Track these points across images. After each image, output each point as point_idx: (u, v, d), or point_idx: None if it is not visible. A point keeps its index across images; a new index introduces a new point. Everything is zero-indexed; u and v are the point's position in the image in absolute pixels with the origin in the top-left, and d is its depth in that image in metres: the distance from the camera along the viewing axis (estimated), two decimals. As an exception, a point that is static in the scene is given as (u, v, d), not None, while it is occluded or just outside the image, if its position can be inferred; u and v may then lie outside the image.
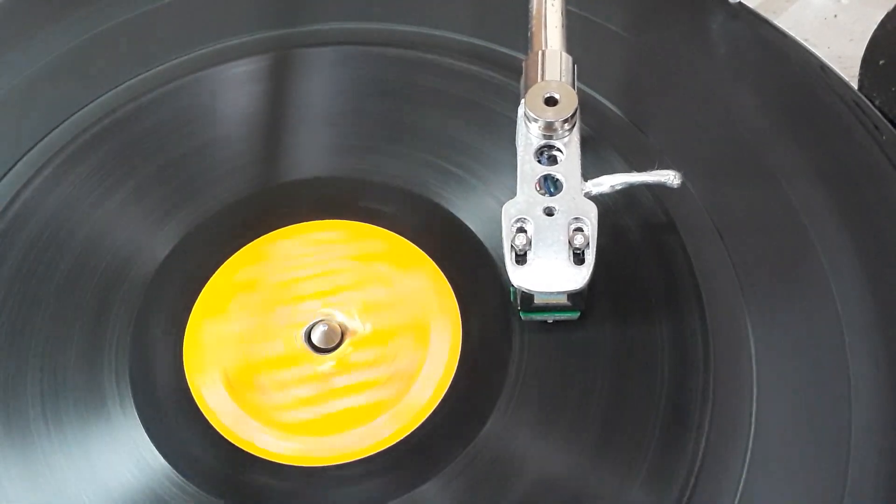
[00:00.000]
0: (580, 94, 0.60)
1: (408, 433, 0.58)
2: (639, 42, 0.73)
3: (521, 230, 0.56)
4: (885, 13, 0.75)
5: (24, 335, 0.62)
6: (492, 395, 0.59)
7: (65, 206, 0.67)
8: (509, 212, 0.57)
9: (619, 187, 0.59)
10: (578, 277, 0.56)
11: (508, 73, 0.68)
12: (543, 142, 0.59)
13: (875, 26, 0.74)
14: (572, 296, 0.57)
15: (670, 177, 0.59)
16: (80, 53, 0.74)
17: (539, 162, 0.59)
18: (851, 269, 0.62)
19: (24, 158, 0.69)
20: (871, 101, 0.69)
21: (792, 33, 0.72)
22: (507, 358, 0.60)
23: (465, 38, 0.73)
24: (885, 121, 0.67)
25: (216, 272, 0.64)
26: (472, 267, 0.63)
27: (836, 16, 0.81)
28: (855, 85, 0.70)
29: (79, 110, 0.71)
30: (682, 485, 0.56)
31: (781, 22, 0.77)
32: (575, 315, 0.60)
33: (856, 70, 0.72)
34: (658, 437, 0.57)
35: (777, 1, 0.82)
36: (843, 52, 0.78)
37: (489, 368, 0.60)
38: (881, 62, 0.72)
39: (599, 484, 0.56)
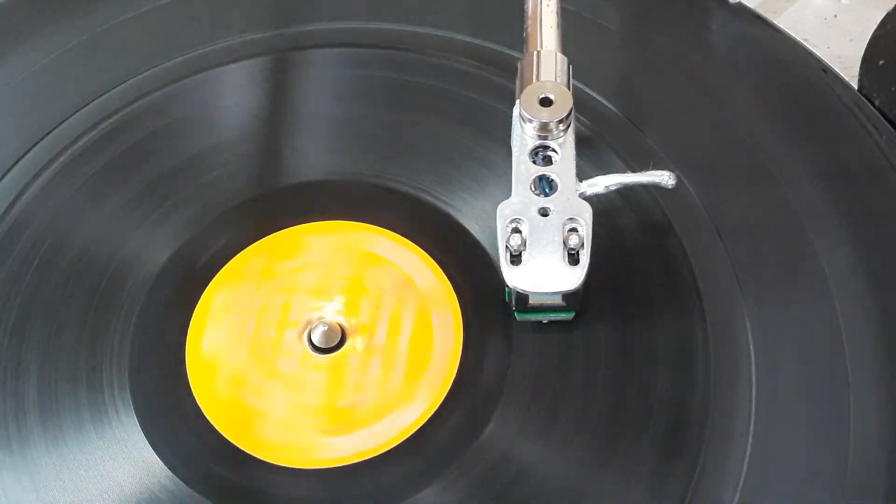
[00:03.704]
0: (579, 93, 0.60)
1: (406, 437, 0.58)
2: (639, 42, 0.73)
3: (516, 231, 0.57)
4: (885, 13, 0.74)
5: (24, 336, 0.63)
6: (491, 396, 0.59)
7: (65, 209, 0.67)
8: (504, 212, 0.57)
9: (613, 188, 0.59)
10: (573, 278, 0.56)
11: (506, 73, 0.68)
12: (538, 142, 0.59)
13: (875, 26, 0.74)
14: (567, 296, 0.57)
15: (664, 177, 0.59)
16: (80, 54, 0.75)
17: (534, 162, 0.59)
18: (851, 269, 0.61)
19: (24, 159, 0.69)
20: (871, 101, 0.69)
21: (792, 33, 0.72)
22: (507, 359, 0.60)
23: (462, 39, 0.73)
24: (885, 121, 0.67)
25: (218, 274, 0.64)
26: (471, 267, 0.63)
27: (835, 16, 0.81)
28: (855, 85, 0.70)
29: (78, 111, 0.71)
30: (682, 485, 0.56)
31: (781, 22, 0.77)
32: (570, 315, 0.60)
33: (856, 70, 0.72)
34: (658, 437, 0.57)
35: (777, 1, 0.82)
36: (843, 52, 0.78)
37: (489, 369, 0.60)
38: (881, 62, 0.72)
39: (599, 484, 0.56)
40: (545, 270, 0.56)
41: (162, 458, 0.58)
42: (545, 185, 0.58)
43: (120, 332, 0.62)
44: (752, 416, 0.57)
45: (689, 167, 0.65)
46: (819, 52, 0.71)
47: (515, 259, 0.56)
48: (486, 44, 0.72)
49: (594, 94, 0.69)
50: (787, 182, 0.65)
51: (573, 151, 0.59)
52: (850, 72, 0.72)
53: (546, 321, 0.60)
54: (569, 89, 0.59)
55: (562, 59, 0.60)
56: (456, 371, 0.60)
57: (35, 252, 0.65)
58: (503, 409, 0.58)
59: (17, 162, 0.69)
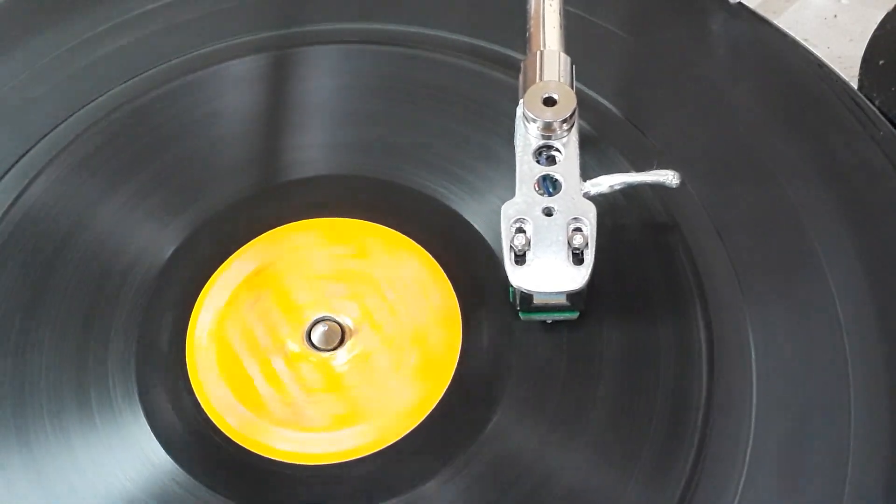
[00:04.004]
0: (580, 93, 0.60)
1: (408, 432, 0.58)
2: (639, 42, 0.73)
3: (520, 230, 0.57)
4: (885, 13, 0.75)
5: (29, 333, 0.62)
6: (494, 396, 0.59)
7: (68, 206, 0.67)
8: (508, 212, 0.57)
9: (617, 187, 0.59)
10: (577, 277, 0.56)
11: (508, 71, 0.68)
12: (542, 142, 0.59)
13: (875, 26, 0.74)
14: (571, 296, 0.57)
15: (669, 177, 0.59)
16: (81, 53, 0.75)
17: (538, 162, 0.59)
18: (851, 268, 0.62)
19: (25, 158, 0.69)
20: (871, 101, 0.69)
21: (792, 33, 0.72)
22: (511, 359, 0.60)
23: (464, 38, 0.73)
24: (885, 121, 0.67)
25: (220, 270, 0.64)
26: (475, 265, 0.63)
27: (835, 16, 0.81)
28: (855, 85, 0.70)
29: (79, 110, 0.71)
30: (683, 484, 0.56)
31: (781, 22, 0.77)
32: (574, 315, 0.60)
33: (856, 70, 0.72)
34: (658, 436, 0.57)
35: (777, 1, 0.82)
36: (843, 52, 0.78)
37: (493, 369, 0.60)
38: (881, 62, 0.72)
39: (600, 483, 0.56)
40: (549, 270, 0.56)
41: (166, 450, 0.58)
42: (549, 185, 0.58)
43: (124, 328, 0.63)
44: (753, 415, 0.57)
45: (689, 167, 0.65)
46: (819, 52, 0.71)
47: (520, 259, 0.56)
48: (489, 43, 0.73)
49: (594, 95, 0.69)
50: (787, 182, 0.65)
51: (577, 151, 0.59)
52: (850, 72, 0.72)
53: (550, 321, 0.60)
54: (572, 89, 0.59)
55: (565, 59, 0.60)
56: (458, 370, 0.60)
57: (39, 248, 0.65)
58: (506, 408, 0.58)
59: (18, 160, 0.69)
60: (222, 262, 0.65)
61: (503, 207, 0.57)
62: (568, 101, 0.58)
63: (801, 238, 0.63)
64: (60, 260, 0.65)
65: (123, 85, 0.72)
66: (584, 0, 0.73)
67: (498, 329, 0.61)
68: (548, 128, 0.58)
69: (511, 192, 0.58)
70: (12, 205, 0.67)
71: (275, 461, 0.58)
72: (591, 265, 0.56)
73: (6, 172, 0.69)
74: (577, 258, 0.56)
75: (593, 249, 0.56)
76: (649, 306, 0.61)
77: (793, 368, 0.59)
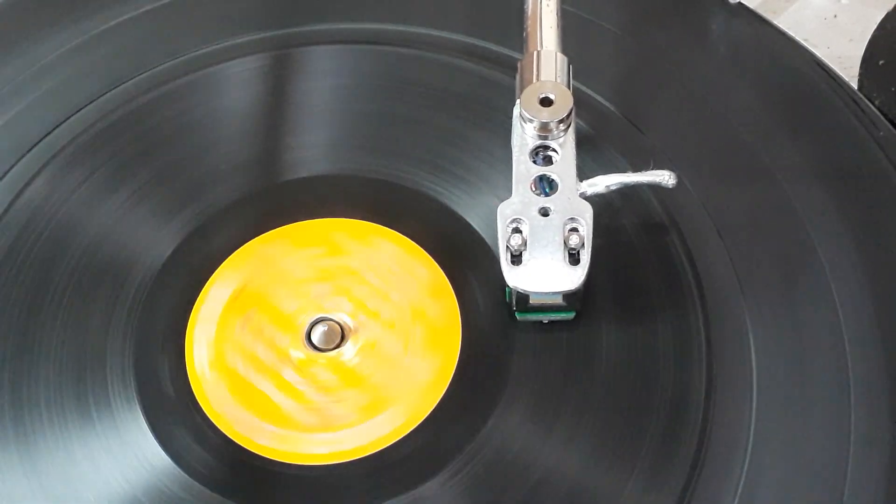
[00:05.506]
0: (578, 93, 0.60)
1: (406, 433, 0.58)
2: (639, 42, 0.73)
3: (517, 230, 0.57)
4: (885, 13, 0.75)
5: (28, 335, 0.63)
6: (491, 395, 0.59)
7: (67, 206, 0.67)
8: (504, 212, 0.57)
9: (614, 187, 0.59)
10: (574, 278, 0.56)
11: (505, 71, 0.68)
12: (539, 142, 0.59)
13: (875, 26, 0.74)
14: (567, 296, 0.57)
15: (665, 177, 0.59)
16: (81, 54, 0.75)
17: (534, 162, 0.59)
18: (851, 268, 0.61)
19: (25, 158, 0.70)
20: (870, 101, 0.69)
21: (792, 33, 0.72)
22: (507, 359, 0.60)
23: (463, 37, 0.73)
24: (885, 120, 0.67)
25: (219, 270, 0.64)
26: (472, 265, 0.63)
27: (835, 16, 0.81)
28: (855, 85, 0.70)
29: (79, 110, 0.71)
30: (683, 484, 0.56)
31: (781, 22, 0.77)
32: (570, 315, 0.60)
33: (856, 70, 0.72)
34: (658, 436, 0.57)
35: (777, 1, 0.82)
36: (842, 52, 0.78)
37: (489, 370, 0.60)
38: (881, 62, 0.72)
39: (599, 484, 0.56)
40: (546, 270, 0.56)
41: (165, 451, 0.58)
42: (545, 185, 0.58)
43: (123, 327, 0.63)
44: (753, 415, 0.57)
45: (688, 167, 0.65)
46: (819, 52, 0.71)
47: (516, 259, 0.56)
48: (486, 43, 0.73)
49: (594, 94, 0.69)
50: (787, 182, 0.65)
51: (573, 151, 0.59)
52: (850, 72, 0.72)
53: (547, 321, 0.60)
54: (569, 89, 0.59)
55: (562, 59, 0.60)
56: (455, 371, 0.60)
57: (39, 249, 0.65)
58: (503, 409, 0.58)
59: (18, 160, 0.69)
60: (223, 261, 0.65)
61: (499, 207, 0.57)
62: (564, 102, 0.58)
63: (801, 238, 0.63)
64: (60, 260, 0.65)
65: (124, 85, 0.73)
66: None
67: (494, 329, 0.61)
68: (544, 128, 0.58)
69: (508, 192, 0.58)
70: (9, 206, 0.67)
71: (273, 461, 0.58)
72: (588, 265, 0.56)
73: (5, 174, 0.69)
74: (574, 258, 0.56)
75: (590, 250, 0.56)
76: (647, 306, 0.61)
77: (793, 368, 0.59)
